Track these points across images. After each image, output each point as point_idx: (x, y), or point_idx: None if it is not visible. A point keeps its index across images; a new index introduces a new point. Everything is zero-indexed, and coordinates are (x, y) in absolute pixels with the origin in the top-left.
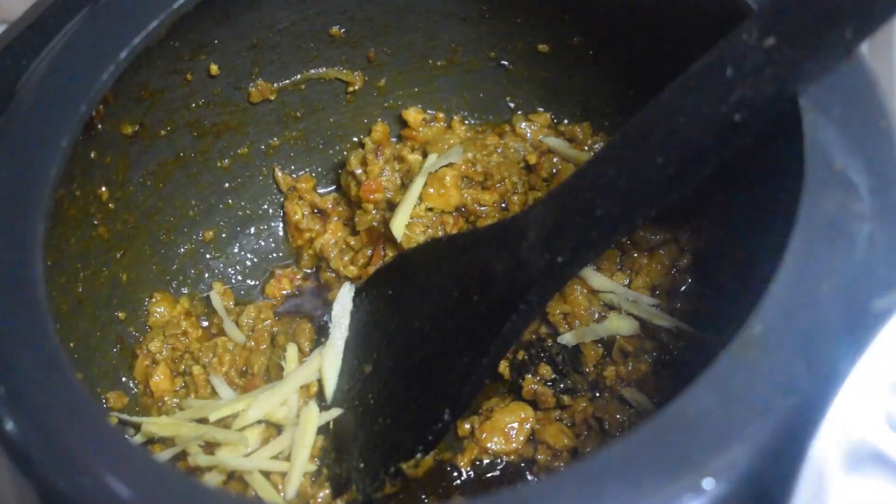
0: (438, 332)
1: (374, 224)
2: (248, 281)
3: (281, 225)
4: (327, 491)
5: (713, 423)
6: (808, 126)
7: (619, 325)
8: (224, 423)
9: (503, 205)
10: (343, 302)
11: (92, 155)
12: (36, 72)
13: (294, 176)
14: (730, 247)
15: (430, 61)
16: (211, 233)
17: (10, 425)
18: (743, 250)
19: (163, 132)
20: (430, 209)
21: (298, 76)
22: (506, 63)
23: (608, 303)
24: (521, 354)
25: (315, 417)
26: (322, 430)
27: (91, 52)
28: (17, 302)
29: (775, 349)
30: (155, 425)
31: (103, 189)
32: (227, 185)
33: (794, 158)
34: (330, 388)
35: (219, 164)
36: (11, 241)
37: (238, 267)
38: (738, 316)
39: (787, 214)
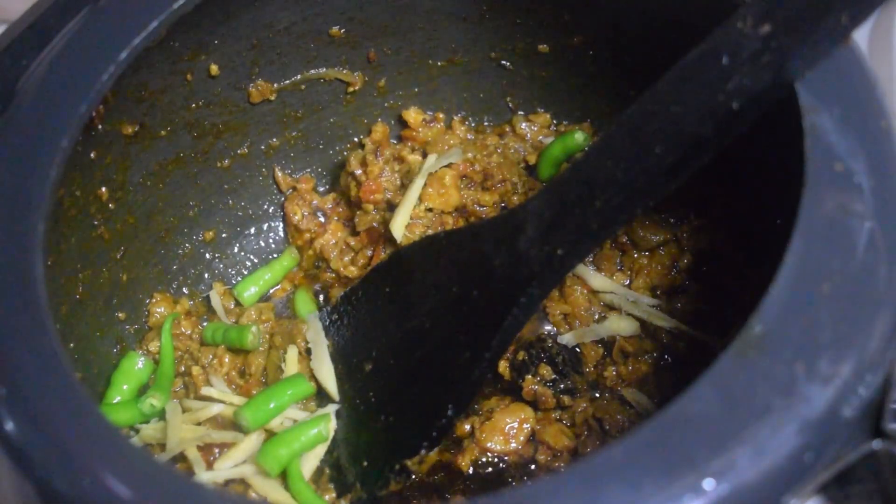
0: (438, 328)
1: (374, 224)
2: None
3: (281, 225)
4: (333, 494)
5: (713, 424)
6: (808, 126)
7: (620, 326)
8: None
9: (503, 205)
10: (313, 334)
11: (92, 155)
12: (36, 72)
13: (294, 176)
14: (730, 247)
15: (430, 61)
16: (211, 233)
17: (10, 425)
18: (743, 250)
19: (163, 132)
20: (430, 210)
21: (298, 76)
22: (506, 63)
23: (608, 303)
24: (521, 355)
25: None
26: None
27: (91, 52)
28: (17, 302)
29: (775, 349)
30: (153, 429)
31: (103, 189)
32: (227, 185)
33: (794, 159)
34: (332, 388)
35: (219, 165)
36: (11, 241)
37: (238, 267)
38: (738, 316)
39: (787, 214)
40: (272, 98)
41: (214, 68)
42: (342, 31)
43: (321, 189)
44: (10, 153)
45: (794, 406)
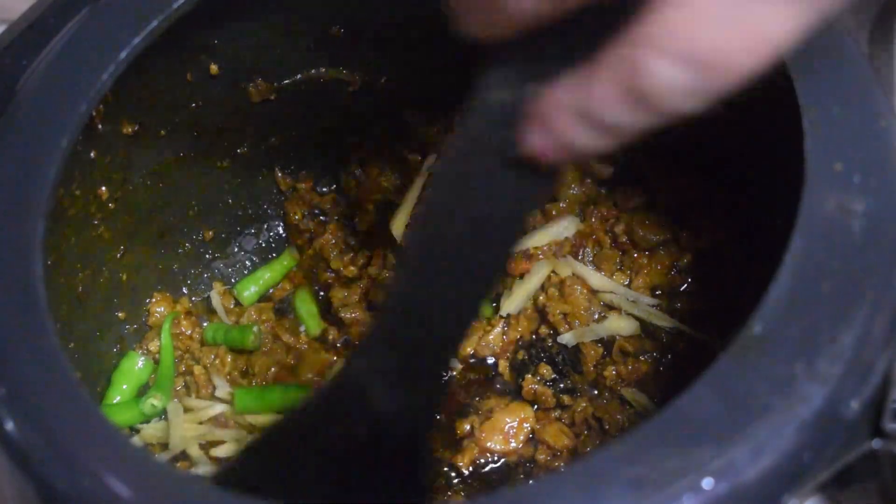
0: None
1: (375, 224)
2: None
3: (281, 225)
4: None
5: (713, 423)
6: (808, 126)
7: (619, 326)
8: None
9: None
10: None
11: (92, 155)
12: (36, 72)
13: (294, 176)
14: (730, 247)
15: (430, 61)
16: (211, 233)
17: (10, 425)
18: (743, 250)
19: (163, 132)
20: None
21: (298, 76)
22: None
23: (608, 303)
24: (521, 354)
25: None
26: None
27: (91, 52)
28: (17, 302)
29: (775, 349)
30: (153, 428)
31: (103, 189)
32: (227, 185)
33: (794, 158)
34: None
35: (219, 165)
36: (11, 241)
37: (238, 267)
38: (738, 316)
39: (787, 214)
40: (272, 98)
41: (214, 68)
42: (342, 30)
43: (321, 189)
44: (10, 153)
45: (793, 406)
